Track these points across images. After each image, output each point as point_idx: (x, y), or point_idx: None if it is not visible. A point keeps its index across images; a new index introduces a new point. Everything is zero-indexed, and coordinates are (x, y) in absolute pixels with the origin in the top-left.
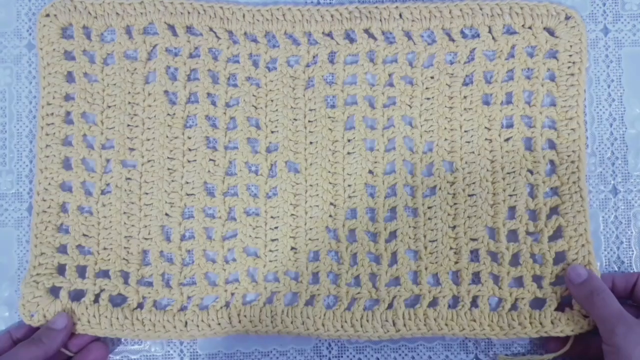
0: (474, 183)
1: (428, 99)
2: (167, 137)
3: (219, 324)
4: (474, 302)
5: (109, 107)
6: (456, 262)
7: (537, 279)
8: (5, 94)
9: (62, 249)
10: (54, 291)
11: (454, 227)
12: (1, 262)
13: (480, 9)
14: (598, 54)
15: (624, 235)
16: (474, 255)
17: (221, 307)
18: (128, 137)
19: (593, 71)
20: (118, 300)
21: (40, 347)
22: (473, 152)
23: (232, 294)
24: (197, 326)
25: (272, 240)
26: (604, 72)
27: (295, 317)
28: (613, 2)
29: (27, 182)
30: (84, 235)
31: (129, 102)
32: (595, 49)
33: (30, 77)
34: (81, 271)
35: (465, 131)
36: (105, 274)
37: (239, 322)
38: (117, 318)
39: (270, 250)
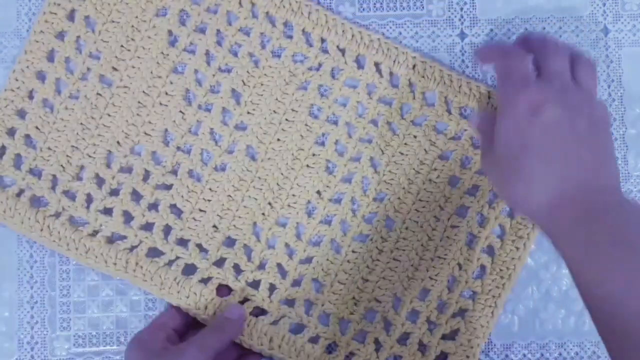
0: (403, 250)
1: (402, 154)
2: (151, 72)
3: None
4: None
5: (112, 21)
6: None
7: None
8: None
9: (11, 132)
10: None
11: (367, 280)
12: (1, 262)
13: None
14: (598, 54)
15: None
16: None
17: (127, 249)
18: (116, 57)
19: None
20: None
21: (226, 334)
22: (417, 222)
23: (141, 241)
24: (95, 257)
25: (201, 210)
26: (604, 72)
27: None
28: (613, 2)
29: None
30: (36, 128)
31: (132, 25)
32: (595, 49)
33: None
34: (17, 162)
35: (420, 200)
36: (38, 173)
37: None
38: (29, 218)
39: (194, 219)
